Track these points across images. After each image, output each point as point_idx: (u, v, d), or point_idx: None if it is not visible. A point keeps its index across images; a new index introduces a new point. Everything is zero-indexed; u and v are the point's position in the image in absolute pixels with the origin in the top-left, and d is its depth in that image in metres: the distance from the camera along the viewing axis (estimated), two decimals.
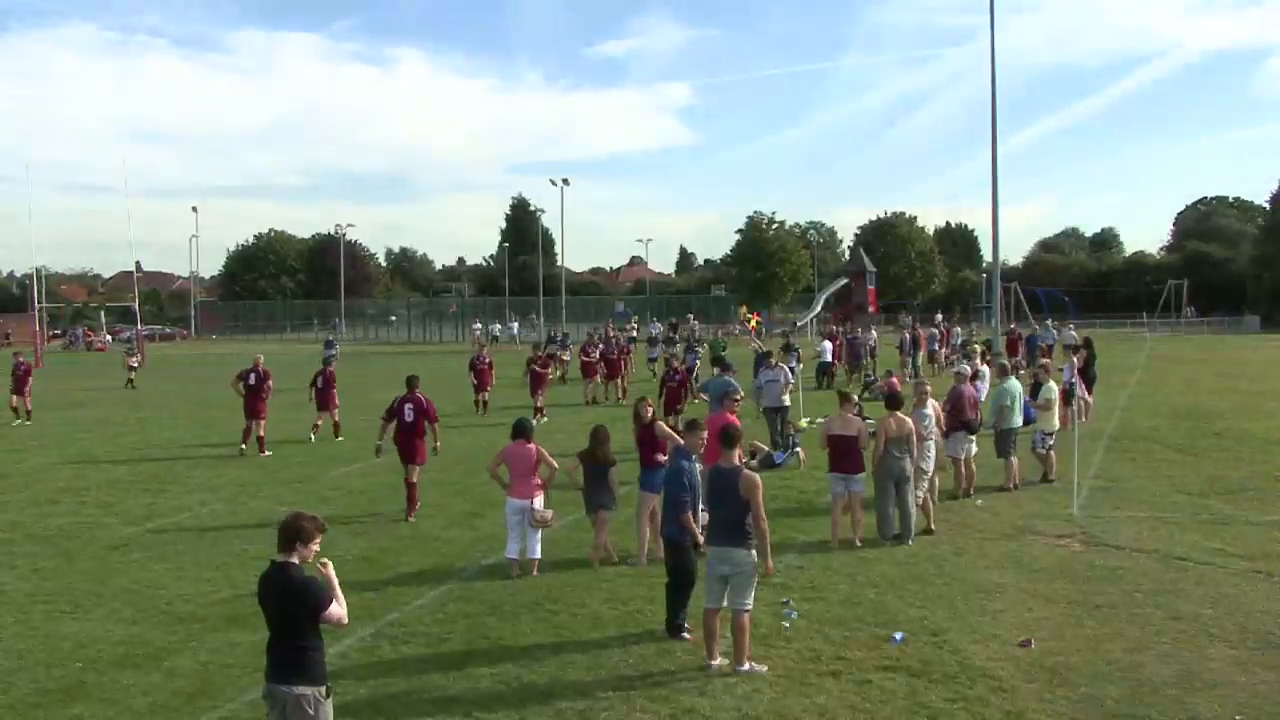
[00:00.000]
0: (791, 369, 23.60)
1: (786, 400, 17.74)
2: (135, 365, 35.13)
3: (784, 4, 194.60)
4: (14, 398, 23.76)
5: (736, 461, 7.66)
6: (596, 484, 10.28)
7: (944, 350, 33.65)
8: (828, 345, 29.97)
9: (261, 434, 18.46)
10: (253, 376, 18.57)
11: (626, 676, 7.31)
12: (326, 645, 7.84)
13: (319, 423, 19.86)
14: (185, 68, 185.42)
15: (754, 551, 7.39)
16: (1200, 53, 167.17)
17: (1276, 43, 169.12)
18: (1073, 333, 35.94)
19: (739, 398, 12.35)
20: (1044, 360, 18.97)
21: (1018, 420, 14.02)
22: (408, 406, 13.08)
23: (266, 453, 18.21)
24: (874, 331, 35.68)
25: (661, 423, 10.80)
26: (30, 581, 10.12)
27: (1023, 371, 21.18)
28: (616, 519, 10.82)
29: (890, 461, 10.92)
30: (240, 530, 12.16)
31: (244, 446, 18.30)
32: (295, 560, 5.22)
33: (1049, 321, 39.10)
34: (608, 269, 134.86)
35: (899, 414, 11.17)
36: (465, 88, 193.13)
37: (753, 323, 46.11)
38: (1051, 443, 14.32)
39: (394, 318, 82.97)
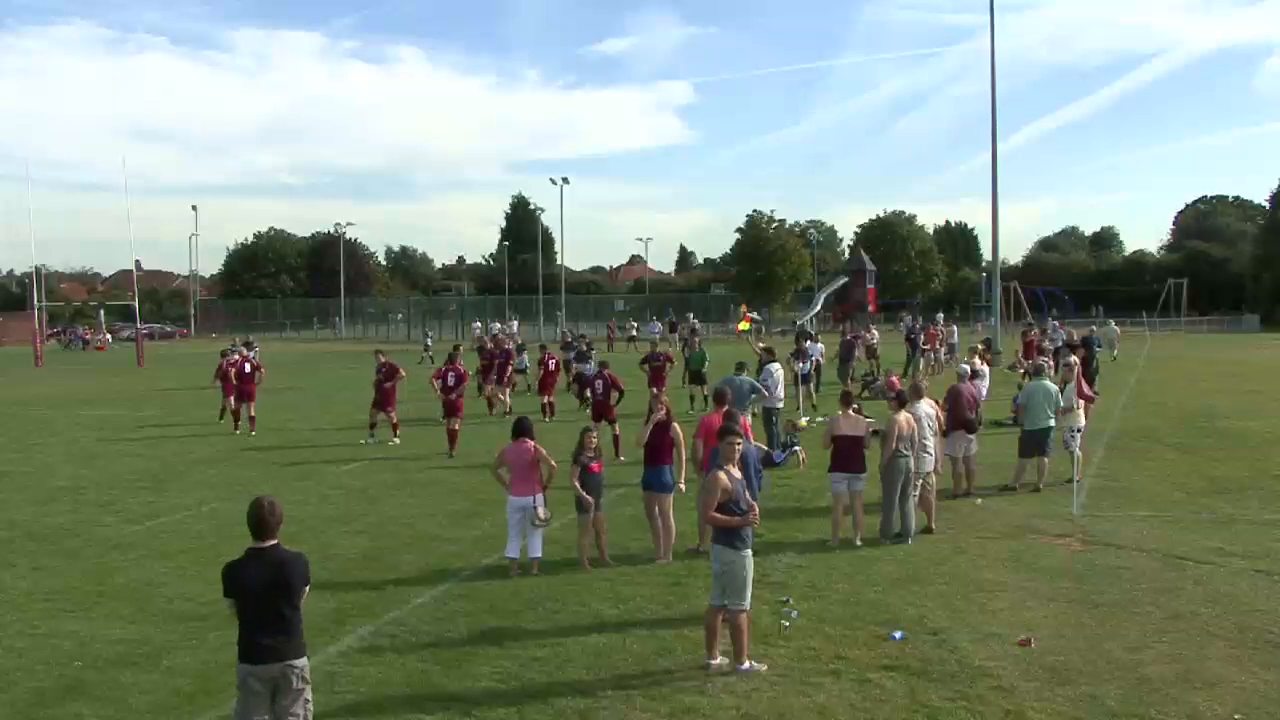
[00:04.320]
0: (804, 375, 23.60)
1: (780, 401, 17.68)
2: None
3: (783, 2, 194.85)
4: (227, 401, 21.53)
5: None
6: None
7: (942, 349, 33.60)
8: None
9: (252, 414, 20.94)
10: (247, 365, 21.18)
11: (626, 675, 7.30)
12: (327, 644, 7.95)
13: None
14: (184, 66, 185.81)
15: (744, 552, 7.37)
16: (1200, 51, 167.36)
17: (1277, 41, 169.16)
18: (1115, 328, 35.75)
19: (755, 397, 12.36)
20: (1050, 360, 18.80)
21: (1050, 422, 13.78)
22: (450, 373, 18.17)
23: (254, 431, 20.51)
24: (875, 331, 35.50)
25: (676, 424, 10.70)
26: (30, 580, 10.12)
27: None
28: (614, 519, 10.85)
29: (901, 460, 10.91)
30: (240, 529, 12.12)
31: (236, 428, 20.78)
32: (278, 542, 5.49)
33: (1053, 322, 39.01)
34: (607, 268, 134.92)
35: (908, 412, 11.17)
36: (464, 86, 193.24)
37: (744, 324, 45.86)
38: (1082, 440, 14.12)
39: (400, 315, 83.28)
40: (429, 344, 47.94)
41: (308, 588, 5.57)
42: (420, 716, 6.69)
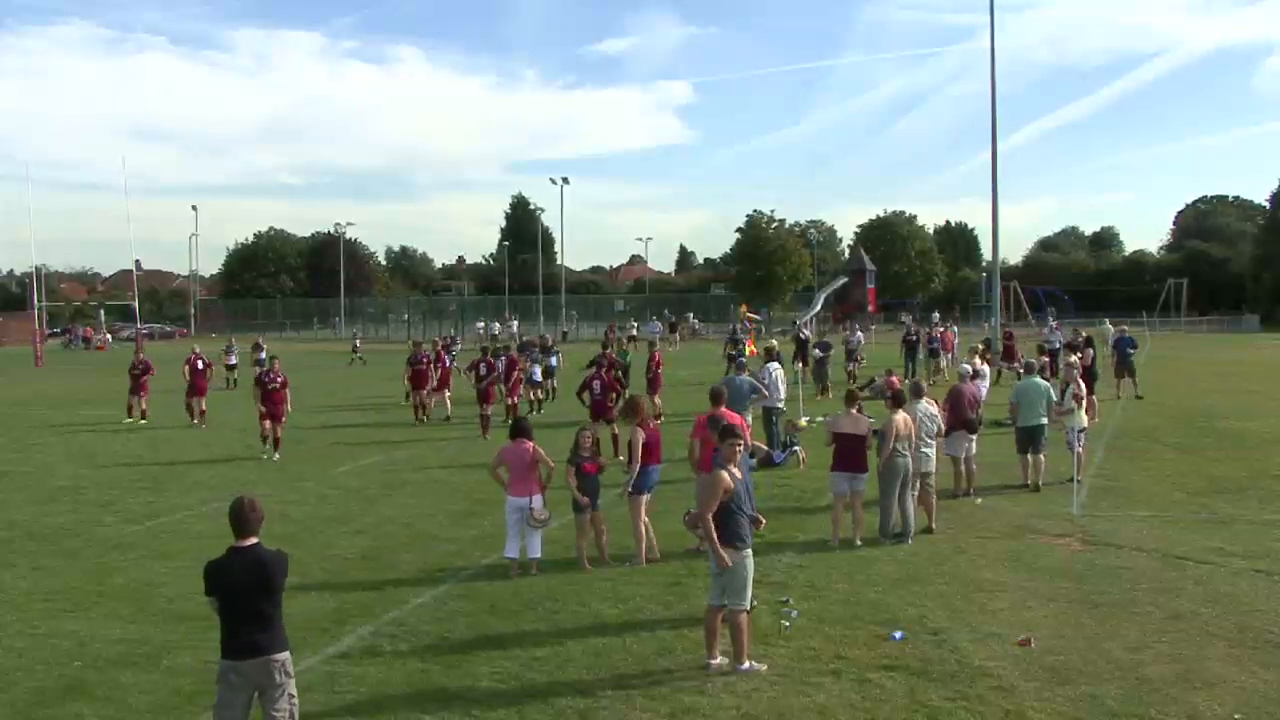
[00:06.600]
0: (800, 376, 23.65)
1: (781, 402, 17.65)
2: (234, 363, 33.52)
3: (783, 2, 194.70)
4: (131, 398, 24.44)
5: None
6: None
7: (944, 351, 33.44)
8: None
9: (204, 408, 23.03)
10: (200, 363, 23.69)
11: (626, 675, 7.30)
12: (326, 644, 7.95)
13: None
14: (184, 66, 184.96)
15: (744, 552, 7.37)
16: (1200, 51, 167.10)
17: (1277, 41, 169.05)
18: (1110, 326, 35.49)
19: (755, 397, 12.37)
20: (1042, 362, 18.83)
21: (1042, 419, 13.80)
22: (482, 365, 20.93)
23: (205, 425, 22.38)
24: (860, 334, 35.07)
25: (642, 426, 10.69)
26: (30, 580, 10.12)
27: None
28: (614, 519, 10.85)
29: (898, 460, 10.91)
30: None
31: (194, 421, 22.67)
32: (259, 541, 5.61)
33: (1052, 323, 38.94)
34: (607, 268, 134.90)
35: (906, 412, 11.16)
36: (464, 86, 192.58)
37: (750, 330, 45.60)
38: (1085, 440, 14.09)
39: (406, 316, 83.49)
40: (357, 345, 48.58)
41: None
42: (420, 716, 6.69)
